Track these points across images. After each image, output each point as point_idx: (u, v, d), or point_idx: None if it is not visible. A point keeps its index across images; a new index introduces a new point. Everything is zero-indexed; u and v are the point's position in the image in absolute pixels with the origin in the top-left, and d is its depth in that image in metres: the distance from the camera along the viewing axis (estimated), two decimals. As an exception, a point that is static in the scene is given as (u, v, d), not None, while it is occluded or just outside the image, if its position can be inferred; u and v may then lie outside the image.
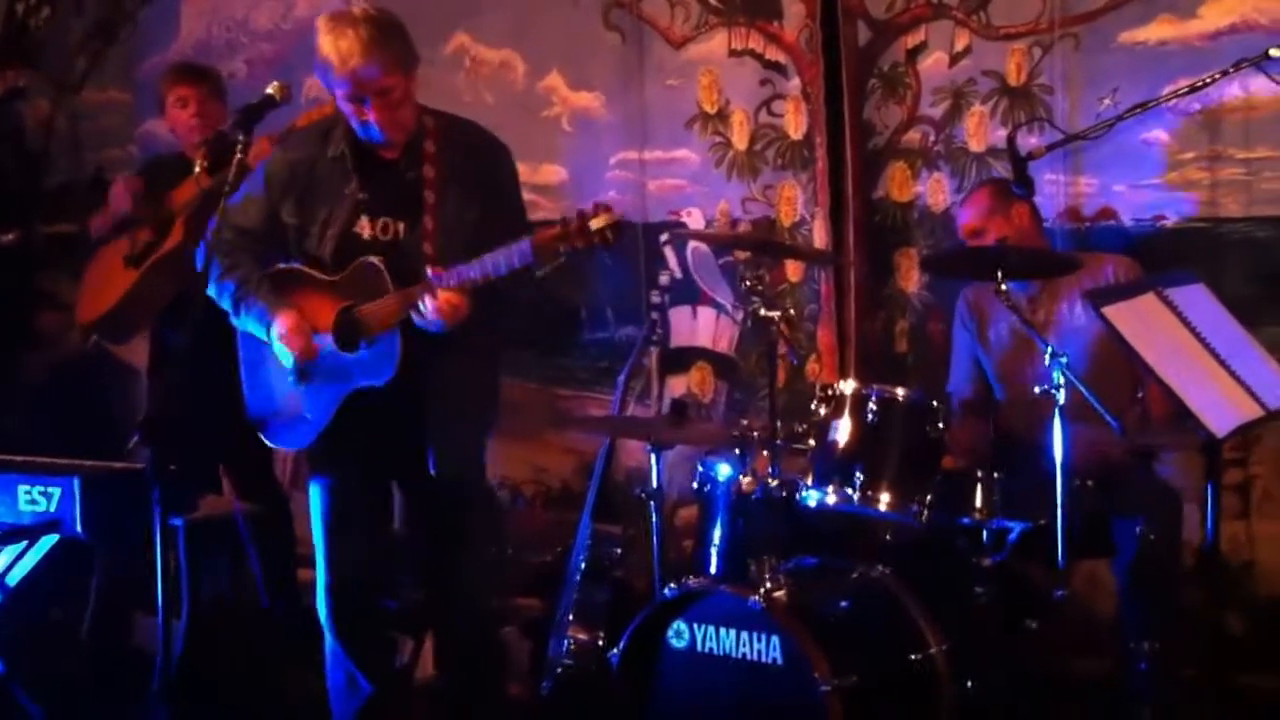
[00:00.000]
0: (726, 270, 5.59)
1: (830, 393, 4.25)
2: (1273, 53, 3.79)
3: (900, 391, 4.21)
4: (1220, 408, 3.47)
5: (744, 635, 3.92)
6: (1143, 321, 3.53)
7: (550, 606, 4.93)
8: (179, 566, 4.66)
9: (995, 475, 4.15)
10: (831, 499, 4.15)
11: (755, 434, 4.36)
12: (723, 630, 3.96)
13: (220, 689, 4.79)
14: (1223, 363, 3.54)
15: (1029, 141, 4.56)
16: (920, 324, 5.29)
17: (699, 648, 4.00)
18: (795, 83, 5.37)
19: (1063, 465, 3.79)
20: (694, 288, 5.65)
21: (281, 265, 3.99)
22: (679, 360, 5.68)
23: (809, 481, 4.19)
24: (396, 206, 3.90)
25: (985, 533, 4.12)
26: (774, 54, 5.42)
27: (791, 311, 5.19)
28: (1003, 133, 4.88)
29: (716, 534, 4.41)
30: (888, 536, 4.28)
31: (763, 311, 4.16)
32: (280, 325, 3.86)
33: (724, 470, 4.38)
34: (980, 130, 5.11)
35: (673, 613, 4.06)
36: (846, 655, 3.82)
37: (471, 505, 4.12)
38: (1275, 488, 4.69)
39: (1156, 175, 4.79)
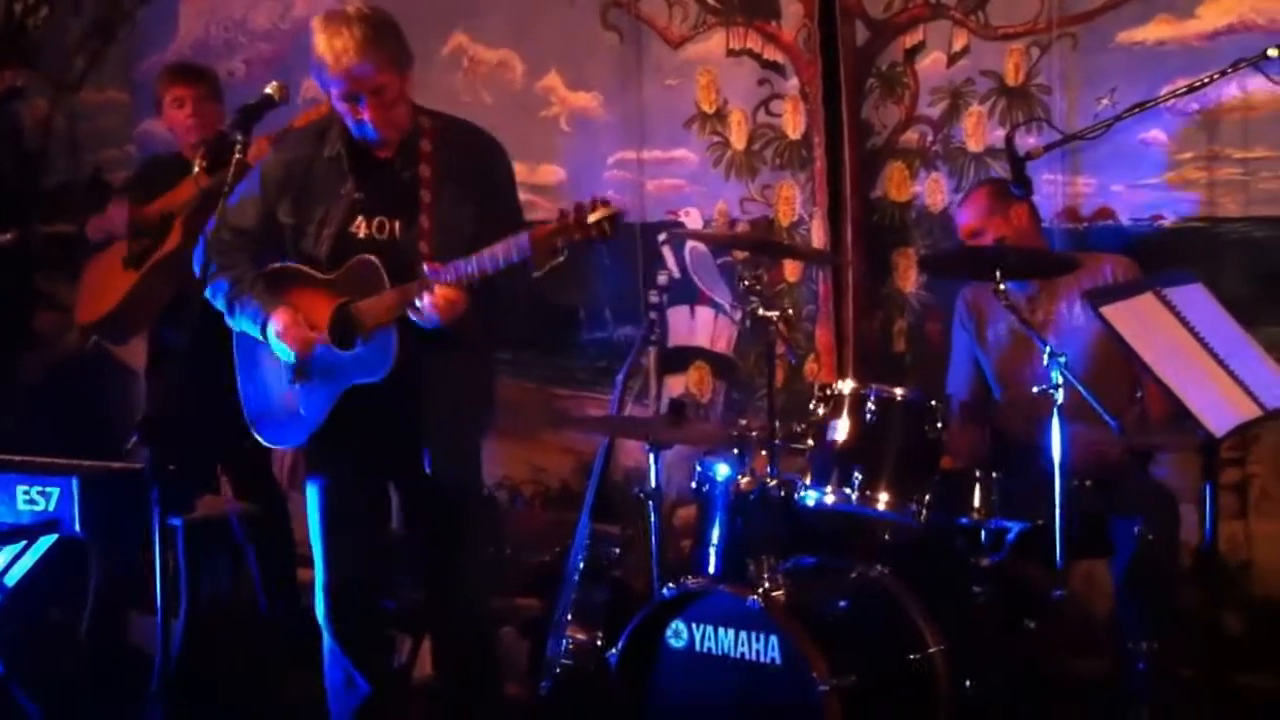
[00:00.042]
0: (725, 270, 5.58)
1: (828, 392, 4.26)
2: (1271, 53, 3.80)
3: (898, 391, 4.21)
4: (1218, 407, 3.47)
5: (742, 635, 3.92)
6: (1141, 321, 3.54)
7: (549, 606, 4.93)
8: (177, 566, 4.66)
9: (993, 475, 4.15)
10: (830, 499, 4.16)
11: (753, 434, 4.37)
12: (721, 630, 3.96)
13: (218, 689, 4.80)
14: (1221, 362, 3.55)
15: (1027, 141, 4.55)
16: (918, 324, 5.29)
17: (697, 647, 4.00)
18: (793, 82, 5.37)
19: (1061, 465, 3.80)
20: (692, 287, 5.65)
21: (276, 265, 3.99)
22: (677, 360, 5.68)
23: (807, 481, 4.19)
24: (392, 206, 3.90)
25: (983, 533, 4.12)
26: (772, 54, 5.41)
27: (790, 311, 5.20)
28: (1001, 133, 4.88)
29: (715, 534, 4.41)
30: (886, 536, 4.28)
31: (761, 311, 4.16)
32: (276, 323, 3.86)
33: (722, 470, 4.39)
34: (978, 130, 5.11)
35: (671, 612, 4.06)
36: (845, 655, 3.82)
37: (467, 505, 4.11)
38: (1273, 487, 4.69)
39: (1154, 175, 4.79)
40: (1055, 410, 3.79)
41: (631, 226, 5.60)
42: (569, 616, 4.74)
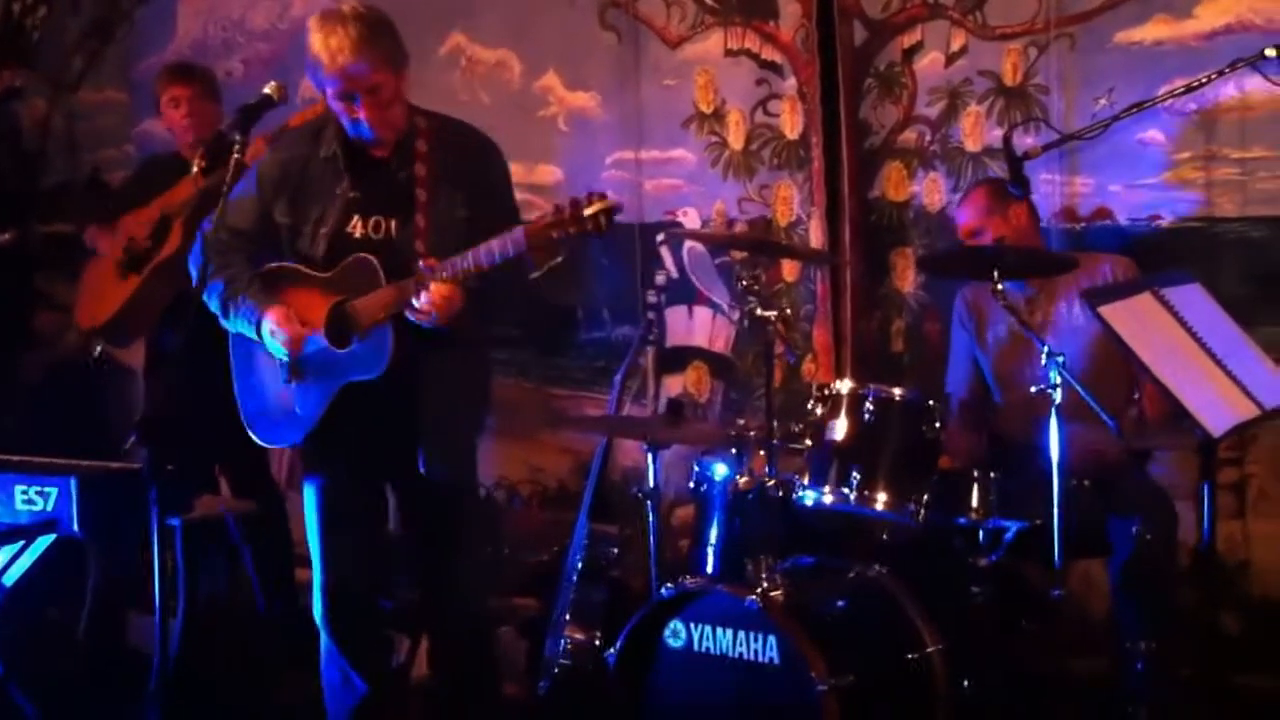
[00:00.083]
0: (723, 270, 5.59)
1: (827, 392, 4.26)
2: (1268, 53, 3.79)
3: (897, 391, 4.22)
4: (1216, 407, 3.47)
5: (741, 635, 3.92)
6: (1139, 321, 3.54)
7: (547, 606, 4.93)
8: (175, 566, 4.65)
9: (991, 475, 4.15)
10: (828, 498, 4.16)
11: (752, 433, 4.37)
12: (719, 630, 3.96)
13: (216, 689, 4.79)
14: (1219, 362, 3.54)
15: (1025, 141, 4.55)
16: (916, 324, 5.29)
17: (696, 647, 4.00)
18: (791, 82, 5.37)
19: (1059, 465, 3.80)
20: (690, 287, 5.65)
21: (273, 265, 3.99)
22: (675, 360, 5.68)
23: (805, 481, 4.19)
24: (388, 205, 3.90)
25: (982, 532, 4.12)
26: (770, 54, 5.42)
27: (788, 311, 5.19)
28: (999, 132, 4.89)
29: (713, 533, 4.41)
30: (884, 536, 4.28)
31: (759, 311, 4.16)
32: (269, 320, 3.87)
33: (721, 470, 4.39)
34: (976, 130, 5.11)
35: (669, 612, 4.06)
36: (843, 655, 3.82)
37: (462, 505, 4.11)
38: (1271, 487, 4.69)
39: (1152, 175, 4.79)
40: (1053, 410, 3.80)
41: (629, 227, 5.61)
42: (567, 616, 4.74)
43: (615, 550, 4.87)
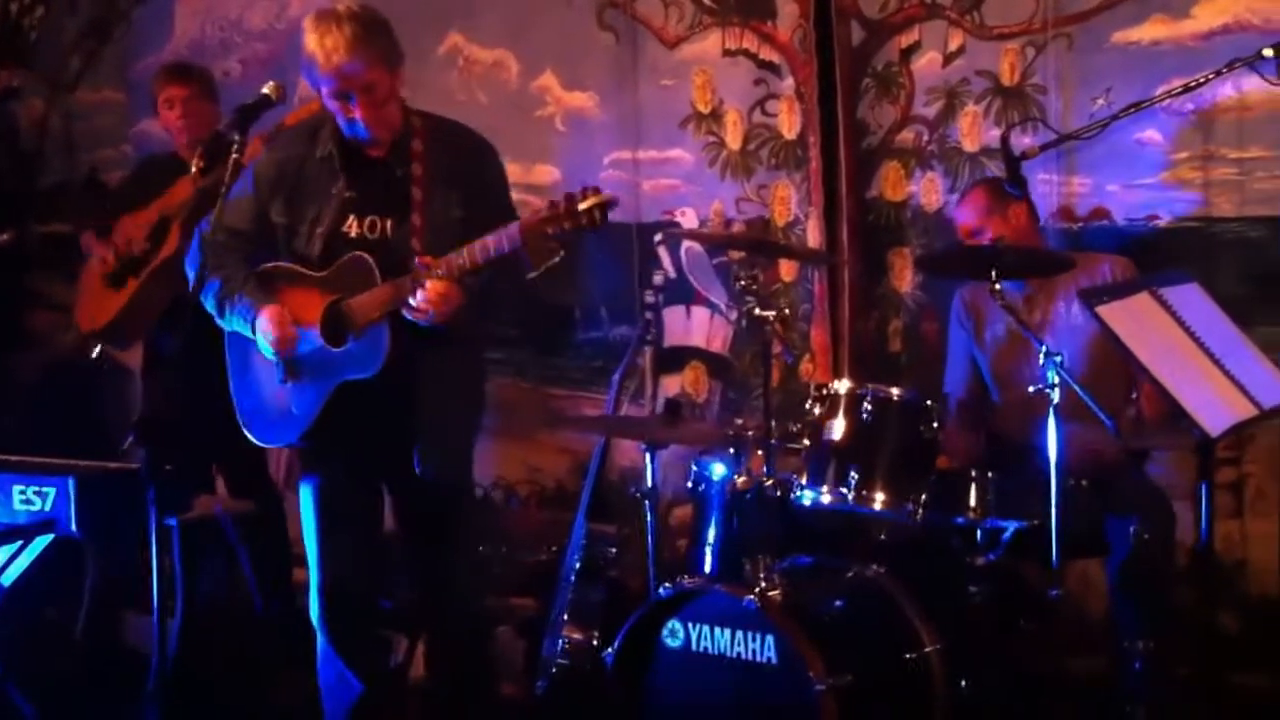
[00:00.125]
0: (720, 270, 5.59)
1: (824, 392, 4.26)
2: (1266, 53, 3.79)
3: (895, 391, 4.22)
4: (1214, 407, 3.47)
5: (739, 634, 3.92)
6: (1137, 321, 3.54)
7: (545, 606, 4.93)
8: (173, 566, 4.66)
9: (989, 475, 4.15)
10: (826, 498, 4.16)
11: (749, 433, 4.37)
12: (718, 629, 3.96)
13: (214, 689, 4.79)
14: (1217, 362, 3.55)
15: (1022, 141, 4.55)
16: (914, 323, 5.29)
17: (694, 647, 4.00)
18: (789, 82, 5.37)
19: (1057, 465, 3.80)
20: (688, 287, 5.65)
21: (269, 264, 3.99)
22: (673, 360, 5.68)
23: (803, 481, 4.19)
24: (384, 204, 3.90)
25: (979, 532, 4.12)
26: (768, 54, 5.41)
27: (785, 311, 5.15)
28: (996, 132, 4.88)
29: (711, 533, 4.41)
30: (882, 536, 4.28)
31: (757, 311, 4.16)
32: (263, 319, 3.87)
33: (719, 469, 4.39)
34: (974, 130, 5.11)
35: (667, 612, 4.06)
36: (841, 654, 3.82)
37: (458, 505, 4.11)
38: (1268, 486, 4.69)
39: (1150, 175, 4.79)
40: (1051, 410, 3.80)
41: (627, 226, 5.61)
42: (565, 616, 4.74)
43: (613, 550, 4.87)
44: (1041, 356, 3.83)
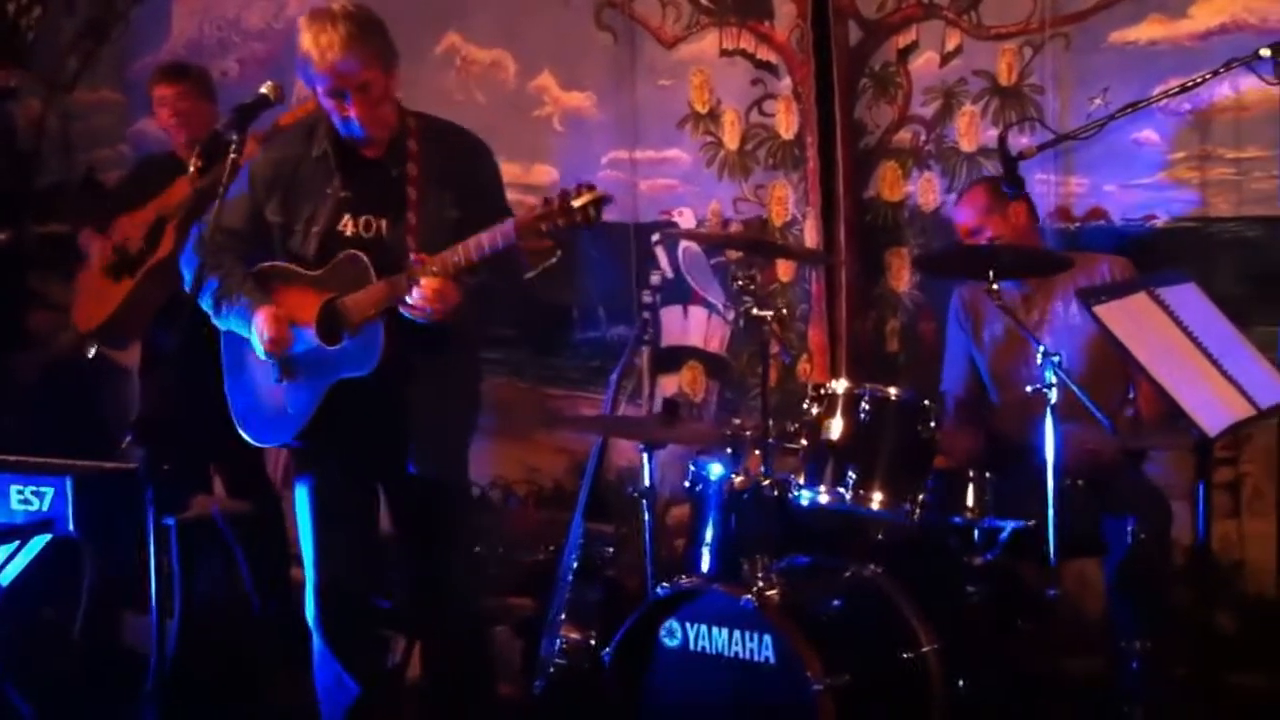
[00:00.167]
0: (718, 270, 5.59)
1: (822, 392, 4.26)
2: (1263, 53, 3.79)
3: (892, 391, 4.21)
4: (1212, 407, 3.47)
5: (736, 634, 3.92)
6: (1134, 320, 3.54)
7: (542, 606, 4.92)
8: (171, 566, 4.66)
9: (987, 475, 4.15)
10: (824, 498, 4.16)
11: (747, 433, 4.37)
12: (715, 629, 3.96)
13: (213, 689, 4.79)
14: (1214, 362, 3.55)
15: (1020, 141, 4.55)
16: (911, 323, 5.29)
17: (691, 647, 4.00)
18: (786, 82, 5.37)
19: (1054, 464, 3.80)
20: (685, 287, 5.65)
21: (264, 264, 3.99)
22: (670, 360, 5.68)
23: (801, 480, 4.19)
24: (379, 204, 3.91)
25: (977, 532, 4.12)
26: (765, 54, 5.41)
27: (783, 311, 5.17)
28: (994, 132, 4.88)
29: (709, 533, 4.41)
30: (880, 535, 4.28)
31: (754, 311, 4.16)
32: (258, 319, 3.87)
33: (716, 469, 4.39)
34: (971, 130, 5.11)
35: (665, 612, 4.06)
36: (839, 654, 3.83)
37: (453, 504, 4.11)
38: (1266, 486, 4.69)
39: (1147, 175, 4.79)
40: (1049, 410, 3.80)
41: (625, 226, 5.61)
42: (563, 616, 4.74)
43: (611, 550, 4.87)
44: (1039, 356, 3.83)
